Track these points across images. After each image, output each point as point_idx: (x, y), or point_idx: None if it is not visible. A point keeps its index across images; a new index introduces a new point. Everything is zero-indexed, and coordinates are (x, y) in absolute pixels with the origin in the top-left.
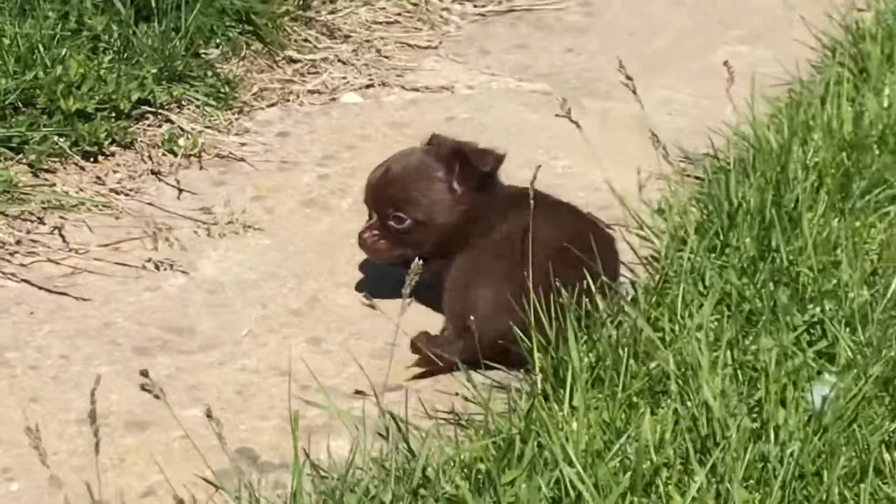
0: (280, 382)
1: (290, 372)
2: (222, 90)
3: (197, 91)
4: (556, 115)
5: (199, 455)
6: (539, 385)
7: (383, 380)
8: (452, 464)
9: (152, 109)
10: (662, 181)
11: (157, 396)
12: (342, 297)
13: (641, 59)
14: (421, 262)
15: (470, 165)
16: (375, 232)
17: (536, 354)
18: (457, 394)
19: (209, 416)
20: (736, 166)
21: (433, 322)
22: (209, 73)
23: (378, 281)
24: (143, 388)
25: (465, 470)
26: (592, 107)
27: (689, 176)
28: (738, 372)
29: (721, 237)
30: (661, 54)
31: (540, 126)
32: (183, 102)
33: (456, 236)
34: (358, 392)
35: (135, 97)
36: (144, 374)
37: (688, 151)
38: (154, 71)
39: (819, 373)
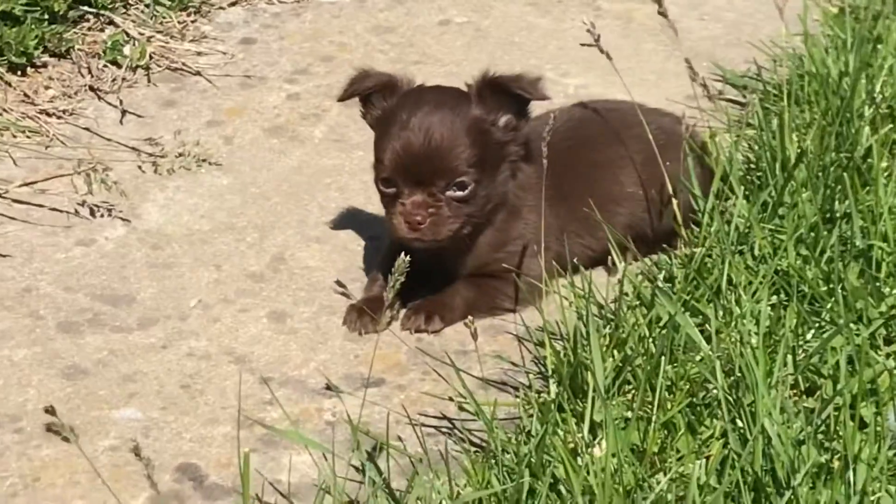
0: (235, 372)
1: (247, 359)
2: None
3: None
4: (582, 45)
5: (131, 473)
6: (553, 394)
7: (361, 370)
8: None
9: (93, 10)
10: (696, 110)
11: (66, 439)
12: (312, 257)
13: None
14: (408, 257)
15: (508, 96)
16: (432, 209)
17: (550, 354)
18: (451, 398)
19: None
20: (790, 100)
21: None
22: None
23: (356, 235)
24: (48, 428)
25: None
26: (611, 8)
27: (728, 101)
28: (800, 380)
29: (773, 195)
30: None
31: (549, 33)
32: (130, 1)
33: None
34: (329, 388)
35: None
36: (50, 411)
37: (725, 70)
38: None
39: None
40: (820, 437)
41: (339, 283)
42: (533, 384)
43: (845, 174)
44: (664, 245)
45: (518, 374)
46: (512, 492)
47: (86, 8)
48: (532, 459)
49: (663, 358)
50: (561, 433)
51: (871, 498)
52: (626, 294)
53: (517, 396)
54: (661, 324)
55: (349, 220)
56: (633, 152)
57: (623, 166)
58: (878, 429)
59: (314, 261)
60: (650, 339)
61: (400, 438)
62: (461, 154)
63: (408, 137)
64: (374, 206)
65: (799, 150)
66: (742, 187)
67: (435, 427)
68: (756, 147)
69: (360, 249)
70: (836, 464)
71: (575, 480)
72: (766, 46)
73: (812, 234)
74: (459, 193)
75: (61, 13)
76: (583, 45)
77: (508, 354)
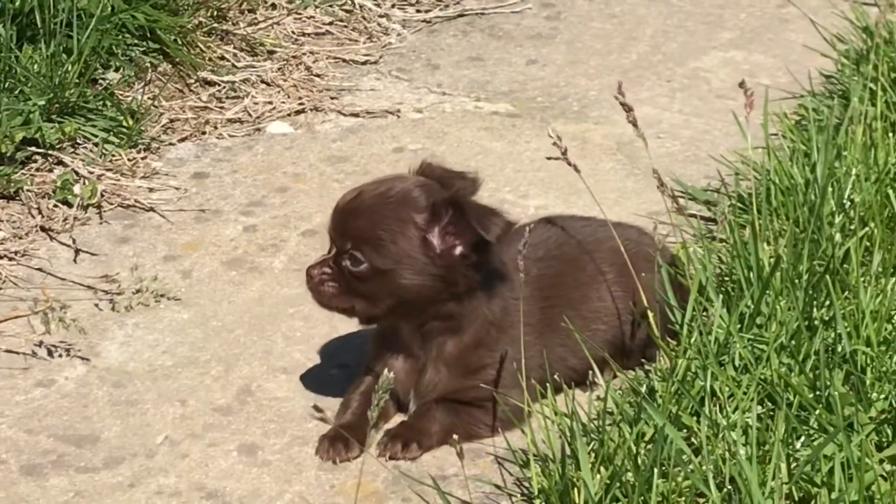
0: None
1: (219, 494)
2: (125, 123)
3: (94, 126)
4: (548, 158)
5: None
6: None
7: (338, 501)
8: None
9: (41, 151)
10: (662, 226)
11: None
12: (280, 388)
13: (616, 70)
14: (391, 375)
15: (466, 224)
16: (327, 270)
17: (535, 475)
18: None
19: None
20: (759, 210)
21: None
22: (108, 103)
23: (324, 364)
24: None
25: None
26: (565, 130)
27: (692, 216)
28: (794, 489)
29: (750, 304)
30: (638, 62)
31: (505, 156)
32: (78, 141)
33: (423, 304)
34: None
35: (19, 137)
36: None
37: (686, 186)
38: (42, 103)
39: None
40: None
41: (316, 407)
42: None
43: (828, 277)
44: (642, 359)
45: (501, 497)
46: None
47: (33, 148)
48: None
49: (655, 470)
50: None
51: None
52: (610, 411)
53: None
54: (648, 438)
55: (315, 349)
56: (607, 266)
57: (601, 282)
58: None
59: (282, 391)
60: (638, 454)
61: None
62: (367, 227)
63: (346, 195)
64: (340, 335)
65: (773, 259)
66: (720, 296)
67: None
68: (729, 258)
69: (329, 378)
70: None
71: None
72: (726, 161)
73: (793, 341)
74: (351, 267)
75: (8, 154)
76: (549, 158)
77: (489, 477)
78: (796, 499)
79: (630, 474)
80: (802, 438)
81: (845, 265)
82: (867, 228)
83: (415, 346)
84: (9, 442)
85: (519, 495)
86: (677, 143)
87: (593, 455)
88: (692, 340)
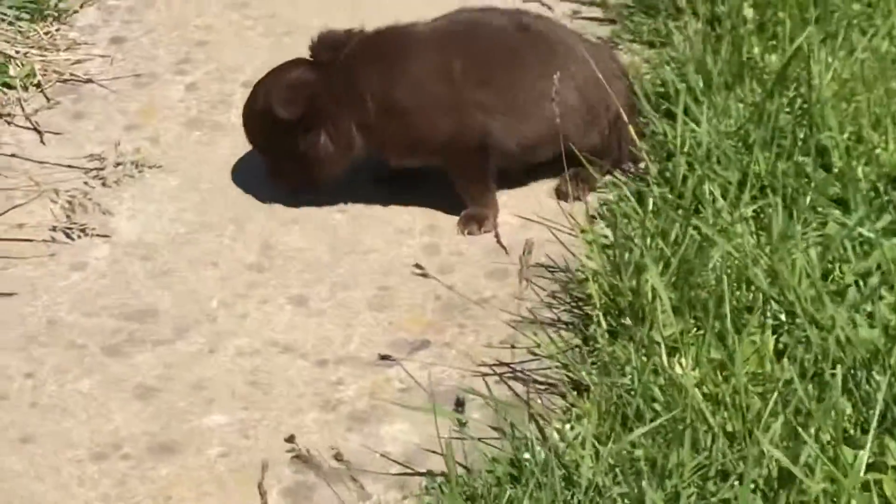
0: (289, 361)
1: (293, 347)
2: None
3: (6, 5)
4: None
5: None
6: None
7: (401, 336)
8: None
9: None
10: None
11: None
12: (296, 238)
13: None
14: None
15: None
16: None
17: (594, 288)
18: (513, 346)
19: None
20: None
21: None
22: None
23: (329, 208)
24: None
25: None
26: None
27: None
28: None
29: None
30: None
31: None
32: None
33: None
34: (384, 357)
35: None
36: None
37: None
38: None
39: None
40: None
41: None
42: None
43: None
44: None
45: (554, 309)
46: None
47: None
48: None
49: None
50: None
51: None
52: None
53: (575, 330)
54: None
55: (313, 193)
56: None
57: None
58: None
59: (299, 241)
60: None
61: (475, 391)
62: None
63: None
64: None
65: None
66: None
67: (500, 375)
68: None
69: (336, 222)
70: None
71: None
72: None
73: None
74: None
75: None
76: None
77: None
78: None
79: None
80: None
81: None
82: None
83: None
84: (77, 327)
85: (569, 304)
86: None
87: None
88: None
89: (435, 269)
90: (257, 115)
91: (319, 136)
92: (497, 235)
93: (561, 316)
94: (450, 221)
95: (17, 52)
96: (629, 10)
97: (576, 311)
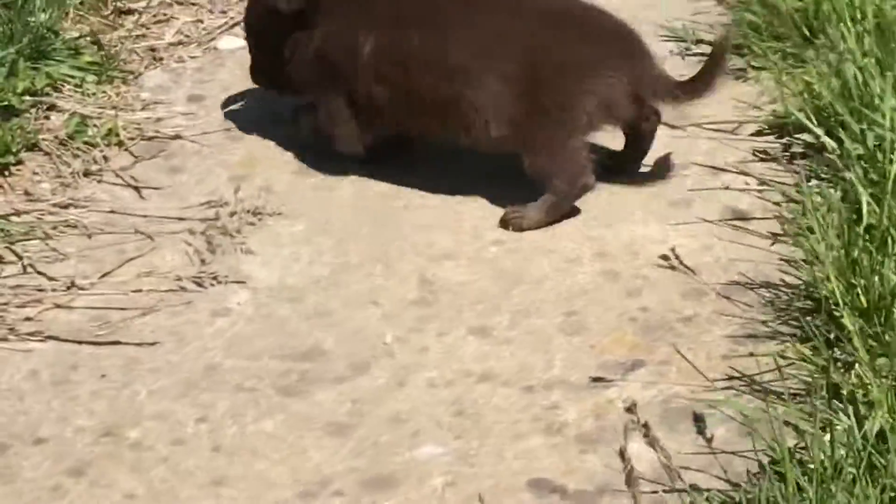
0: (491, 389)
1: (493, 375)
2: (96, 59)
3: (70, 66)
4: None
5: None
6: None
7: (608, 357)
8: None
9: (35, 98)
10: None
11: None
12: (454, 273)
13: None
14: None
15: None
16: None
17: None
18: (751, 354)
19: None
20: None
21: None
22: (67, 42)
23: (481, 241)
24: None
25: None
26: None
27: None
28: None
29: None
30: None
31: None
32: (57, 84)
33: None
34: (597, 379)
35: (20, 88)
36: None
37: None
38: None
39: None
40: None
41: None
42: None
43: None
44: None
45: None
46: None
47: (31, 98)
48: None
49: None
50: None
51: None
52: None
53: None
54: None
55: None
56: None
57: None
58: None
59: (457, 276)
60: None
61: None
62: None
63: None
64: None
65: None
66: None
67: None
68: None
69: (490, 255)
70: None
71: None
72: None
73: None
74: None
75: (21, 107)
76: None
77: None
78: None
79: None
80: None
81: None
82: None
83: None
84: (239, 371)
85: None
86: None
87: None
88: None
89: (622, 295)
90: (259, 6)
91: (313, 35)
92: (678, 258)
93: (780, 328)
94: (619, 247)
95: (94, 112)
96: None
97: (805, 320)
